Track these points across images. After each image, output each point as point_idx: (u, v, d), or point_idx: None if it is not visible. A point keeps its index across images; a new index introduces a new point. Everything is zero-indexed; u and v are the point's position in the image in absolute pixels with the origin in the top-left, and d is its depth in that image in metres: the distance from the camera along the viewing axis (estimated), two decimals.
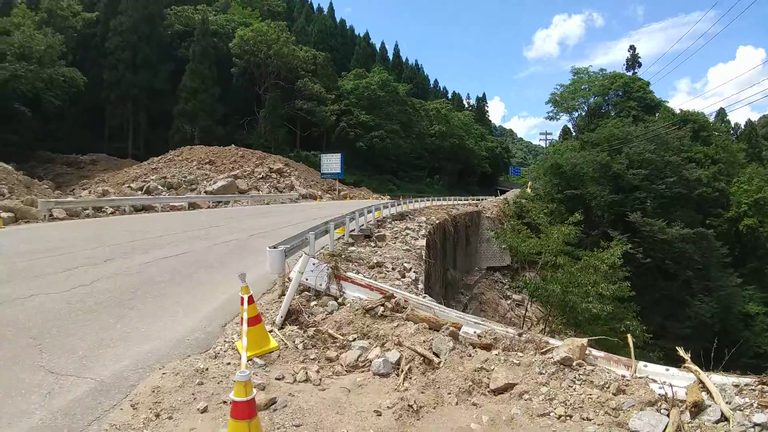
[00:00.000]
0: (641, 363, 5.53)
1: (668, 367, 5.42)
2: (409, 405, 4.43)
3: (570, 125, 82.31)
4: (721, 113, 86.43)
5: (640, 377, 5.27)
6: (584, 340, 5.66)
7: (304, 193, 44.03)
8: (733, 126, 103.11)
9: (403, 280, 10.80)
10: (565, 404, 4.50)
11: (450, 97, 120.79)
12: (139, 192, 33.55)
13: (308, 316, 6.92)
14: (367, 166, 71.51)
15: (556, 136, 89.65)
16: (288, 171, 47.71)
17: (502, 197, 52.90)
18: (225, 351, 6.07)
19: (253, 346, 5.87)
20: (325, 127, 69.33)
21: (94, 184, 37.16)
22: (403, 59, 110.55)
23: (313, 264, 7.45)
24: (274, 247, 8.45)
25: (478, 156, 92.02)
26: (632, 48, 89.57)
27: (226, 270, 10.51)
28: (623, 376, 5.14)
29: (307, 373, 5.35)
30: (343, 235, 14.93)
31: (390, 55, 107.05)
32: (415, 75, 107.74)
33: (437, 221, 22.92)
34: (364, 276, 10.36)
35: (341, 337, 6.23)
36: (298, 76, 67.04)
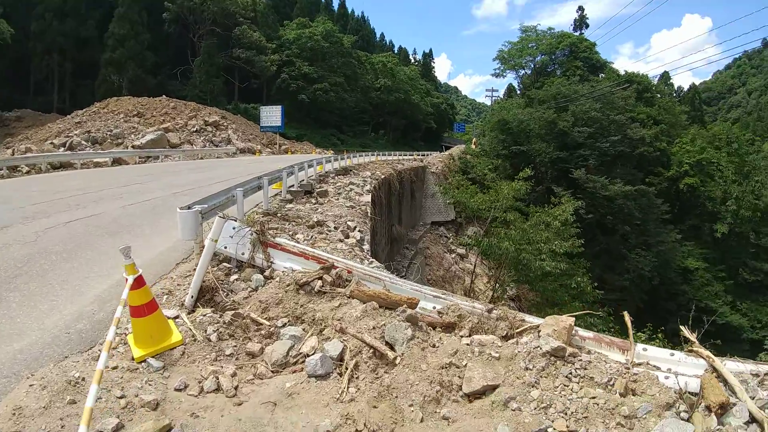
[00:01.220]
0: (640, 346, 4.50)
1: (673, 351, 4.43)
2: (357, 430, 3.14)
3: (516, 83, 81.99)
4: (665, 76, 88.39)
5: (640, 363, 4.27)
6: (570, 320, 4.54)
7: (242, 147, 41.37)
8: (676, 89, 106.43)
9: (346, 241, 9.46)
10: (566, 414, 3.36)
11: (396, 51, 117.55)
12: (62, 148, 30.25)
13: (226, 295, 5.46)
14: (309, 119, 68.62)
15: (502, 94, 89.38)
16: (225, 124, 44.65)
17: (447, 153, 51.97)
18: (114, 347, 4.56)
19: (147, 342, 4.40)
20: (265, 79, 65.54)
21: (17, 142, 33.36)
22: (349, 10, 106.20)
23: (233, 228, 5.92)
24: (188, 207, 6.86)
25: (423, 111, 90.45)
26: (581, 9, 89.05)
27: (135, 235, 8.92)
28: (624, 365, 4.09)
29: (218, 379, 3.95)
30: (281, 192, 13.40)
31: (335, 5, 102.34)
32: (361, 27, 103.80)
33: (382, 176, 21.68)
34: (303, 238, 8.98)
35: (267, 323, 4.84)
36: (237, 23, 62.30)
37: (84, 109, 40.23)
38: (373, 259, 7.96)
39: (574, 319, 4.61)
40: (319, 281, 5.21)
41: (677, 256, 44.04)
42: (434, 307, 5.27)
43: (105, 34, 54.41)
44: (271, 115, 44.04)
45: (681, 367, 4.15)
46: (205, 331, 4.82)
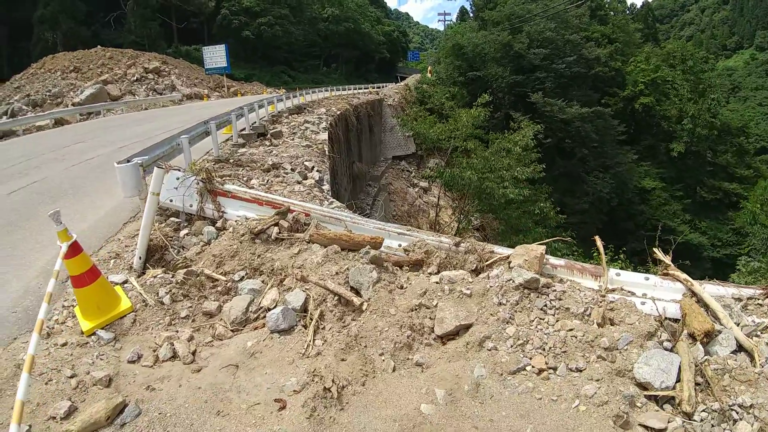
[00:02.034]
0: (612, 271, 4.40)
1: (647, 275, 4.33)
2: (325, 388, 2.91)
3: (468, 6, 79.46)
4: None
5: (614, 289, 4.17)
6: (541, 248, 4.38)
7: (188, 93, 39.25)
8: (629, 6, 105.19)
9: (304, 182, 9.06)
10: (544, 350, 3.23)
11: None
12: (5, 117, 28.07)
13: (177, 252, 5.07)
14: (256, 58, 65.41)
15: (455, 18, 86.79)
16: (167, 70, 42.03)
17: (402, 83, 50.61)
18: (62, 322, 4.19)
19: (95, 313, 4.04)
20: (204, 17, 61.54)
21: None
22: None
23: (177, 179, 5.43)
24: (127, 161, 6.29)
25: (375, 41, 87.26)
26: None
27: (80, 197, 8.35)
28: (599, 292, 3.97)
29: (173, 346, 3.64)
30: (232, 136, 12.73)
31: None
32: None
33: (338, 112, 20.89)
34: (259, 183, 8.53)
35: (223, 278, 4.50)
36: None
37: (21, 73, 37.70)
38: (334, 200, 7.62)
39: (545, 247, 4.45)
40: (276, 228, 4.86)
41: (634, 177, 44.41)
42: (400, 245, 5.04)
43: None
44: (215, 55, 41.59)
45: (657, 292, 4.07)
46: (157, 293, 4.46)
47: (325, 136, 14.37)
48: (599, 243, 4.72)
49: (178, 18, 61.27)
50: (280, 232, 4.81)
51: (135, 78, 38.99)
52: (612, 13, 64.64)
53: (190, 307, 4.29)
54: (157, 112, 29.13)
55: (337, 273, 4.09)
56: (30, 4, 50.72)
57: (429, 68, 53.91)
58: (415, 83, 45.29)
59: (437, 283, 3.99)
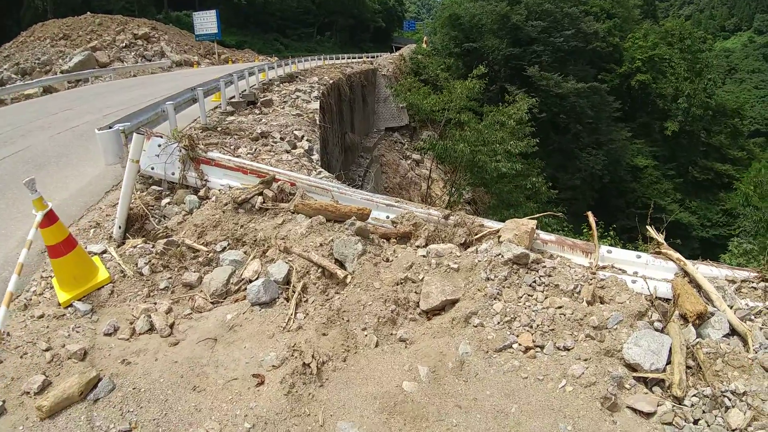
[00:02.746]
0: (604, 248, 4.32)
1: (639, 253, 4.25)
2: (304, 364, 2.81)
3: None
4: None
5: (604, 266, 4.09)
6: (531, 223, 4.27)
7: (177, 60, 38.35)
8: None
9: (293, 152, 8.87)
10: (531, 327, 3.13)
11: None
12: None
13: (158, 222, 4.92)
14: (249, 24, 63.81)
15: None
16: (156, 36, 40.96)
17: (397, 53, 49.64)
18: (40, 293, 4.06)
19: (72, 284, 3.92)
20: None
21: None
22: None
23: (159, 146, 5.23)
24: (109, 127, 6.07)
25: (370, 9, 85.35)
26: None
27: (63, 165, 8.21)
28: (589, 269, 3.88)
29: (150, 318, 3.52)
30: (221, 104, 12.44)
31: None
32: None
33: (331, 81, 20.43)
34: (247, 151, 8.34)
35: (204, 249, 4.36)
36: None
37: (11, 42, 36.84)
38: (322, 170, 7.44)
39: (535, 222, 4.34)
40: (260, 197, 4.70)
41: (627, 154, 44.11)
42: (387, 217, 4.91)
43: None
44: (206, 21, 40.48)
45: (649, 270, 4.01)
46: (136, 264, 4.32)
47: (316, 105, 14.07)
48: (591, 219, 4.60)
49: None
50: (264, 202, 4.66)
51: (124, 44, 38.13)
52: None
53: (170, 278, 4.16)
54: (145, 79, 28.54)
55: (321, 244, 3.96)
56: None
57: (425, 39, 52.92)
58: (410, 53, 44.49)
59: (424, 256, 3.87)
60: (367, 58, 44.91)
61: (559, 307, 3.22)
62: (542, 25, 40.56)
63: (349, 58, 41.34)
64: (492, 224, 4.60)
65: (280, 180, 4.91)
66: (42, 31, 37.54)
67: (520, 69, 40.23)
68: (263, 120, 11.28)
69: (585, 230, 17.94)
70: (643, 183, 44.73)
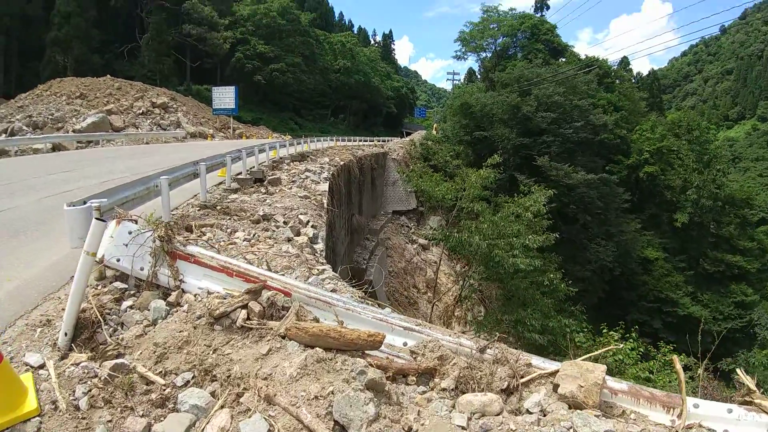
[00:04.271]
0: (690, 401, 3.23)
1: (730, 406, 3.20)
2: None
3: (476, 67, 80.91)
4: (624, 62, 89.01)
5: (690, 426, 3.04)
6: (600, 370, 3.23)
7: (192, 131, 38.76)
8: (635, 75, 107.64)
9: (296, 240, 7.93)
10: None
11: (356, 31, 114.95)
12: (3, 135, 27.66)
13: (113, 331, 3.85)
14: (266, 102, 65.69)
15: (462, 79, 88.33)
16: (174, 106, 41.74)
17: (408, 138, 50.46)
18: None
19: None
20: (219, 59, 62.12)
21: None
22: None
23: (129, 233, 4.26)
24: (84, 203, 5.20)
25: (383, 95, 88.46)
26: None
27: (40, 235, 7.45)
28: (672, 428, 2.80)
29: None
30: (225, 180, 11.81)
31: None
32: (319, 5, 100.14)
33: (342, 162, 20.06)
34: (244, 236, 7.40)
35: (161, 381, 3.26)
36: None
37: (27, 93, 37.28)
38: (326, 267, 6.41)
39: (605, 368, 3.28)
40: (243, 311, 3.65)
41: (637, 246, 43.53)
42: (405, 344, 3.87)
43: (51, 12, 50.06)
44: (224, 96, 41.44)
45: (741, 427, 3.08)
46: (74, 392, 3.23)
47: (325, 186, 13.40)
48: (678, 365, 3.53)
49: (192, 56, 61.84)
50: (248, 318, 3.61)
51: (141, 111, 38.71)
52: (618, 81, 65.55)
53: (110, 421, 3.04)
54: (157, 147, 28.62)
55: (317, 397, 2.84)
56: (44, 24, 50.75)
57: (435, 125, 54.02)
58: (420, 139, 45.11)
59: (464, 429, 2.74)
60: (378, 141, 45.66)
61: None
62: (552, 116, 41.26)
63: (360, 140, 42.13)
64: (543, 364, 3.56)
65: (272, 288, 3.89)
66: (59, 86, 38.18)
67: (529, 158, 40.45)
68: (267, 201, 10.49)
69: (605, 334, 16.61)
70: (654, 275, 43.84)
